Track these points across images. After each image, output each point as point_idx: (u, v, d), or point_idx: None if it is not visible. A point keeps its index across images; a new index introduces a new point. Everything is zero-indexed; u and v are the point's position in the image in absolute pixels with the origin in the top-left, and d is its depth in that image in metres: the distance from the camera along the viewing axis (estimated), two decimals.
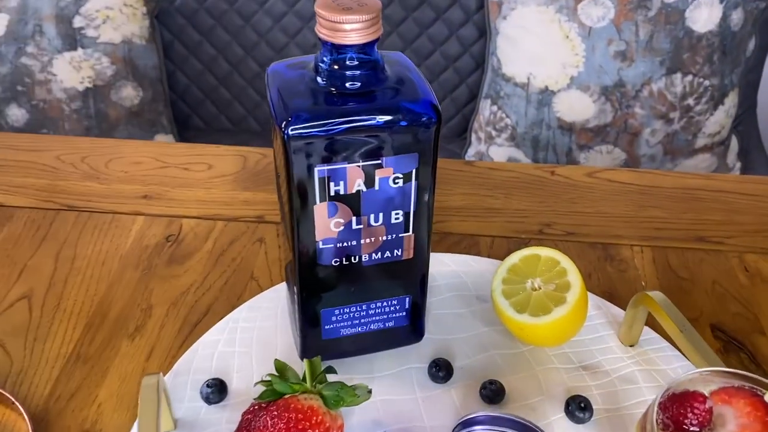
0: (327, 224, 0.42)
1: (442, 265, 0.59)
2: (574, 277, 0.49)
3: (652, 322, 0.53)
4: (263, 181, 0.71)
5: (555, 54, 1.13)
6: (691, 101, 1.15)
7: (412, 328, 0.50)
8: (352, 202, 0.41)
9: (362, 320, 0.48)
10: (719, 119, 1.18)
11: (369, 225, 0.42)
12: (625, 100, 1.14)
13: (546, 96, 1.16)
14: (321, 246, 0.43)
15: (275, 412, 0.40)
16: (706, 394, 0.32)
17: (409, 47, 1.28)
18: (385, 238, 0.43)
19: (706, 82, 1.14)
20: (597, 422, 0.46)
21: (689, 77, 1.13)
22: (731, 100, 1.19)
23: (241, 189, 0.70)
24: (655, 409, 0.31)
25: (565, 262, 0.50)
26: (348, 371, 0.49)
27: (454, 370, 0.49)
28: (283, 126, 0.38)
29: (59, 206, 0.67)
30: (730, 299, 0.58)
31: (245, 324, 0.53)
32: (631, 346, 0.51)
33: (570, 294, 0.48)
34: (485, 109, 1.23)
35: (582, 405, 0.46)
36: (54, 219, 0.66)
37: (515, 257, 0.52)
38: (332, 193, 0.40)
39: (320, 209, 0.41)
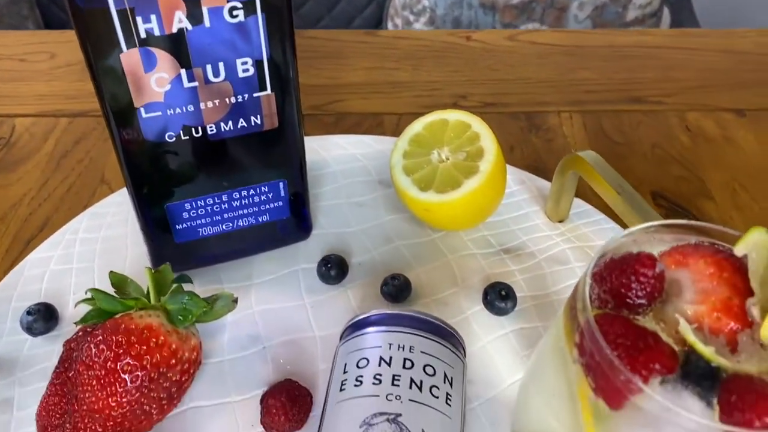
0: (145, 82, 0.30)
1: (337, 149, 0.49)
2: (488, 142, 0.40)
3: (583, 193, 0.44)
4: None
5: None
6: None
7: (296, 223, 0.40)
8: (176, 47, 0.30)
9: (226, 215, 0.38)
10: None
11: (207, 81, 0.31)
12: None
13: None
14: (144, 115, 0.31)
15: (100, 337, 0.30)
16: (655, 255, 0.24)
17: None
18: (233, 99, 0.33)
19: None
20: (522, 312, 0.38)
21: None
22: None
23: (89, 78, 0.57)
24: (588, 281, 0.23)
25: (478, 126, 0.40)
26: (218, 281, 0.39)
27: (349, 267, 0.40)
28: None
29: None
30: (671, 162, 0.51)
31: (86, 235, 0.42)
32: (560, 221, 0.43)
33: (483, 162, 0.39)
34: None
35: (503, 293, 0.37)
36: None
37: (418, 125, 0.42)
38: (143, 35, 0.29)
39: (130, 60, 0.29)
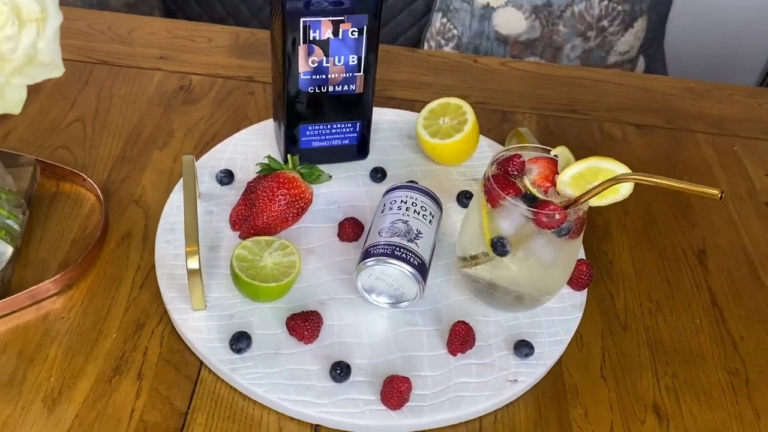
0: (306, 61, 0.64)
1: (384, 116, 0.82)
2: (470, 116, 0.73)
3: None
4: (252, 52, 0.92)
5: None
6: (605, 23, 1.38)
7: (361, 148, 0.73)
8: (324, 46, 0.63)
9: (327, 136, 0.71)
10: (629, 40, 1.42)
11: (334, 64, 0.65)
12: (551, 18, 1.36)
13: (487, 11, 1.37)
14: (302, 77, 0.65)
15: (270, 179, 0.63)
16: (521, 155, 0.56)
17: None
18: (344, 75, 0.66)
19: (619, 7, 1.37)
20: None
21: (605, 2, 1.36)
22: (640, 25, 1.42)
23: (235, 57, 0.91)
24: (493, 165, 0.55)
25: (466, 107, 0.73)
26: None
27: (387, 175, 0.73)
28: None
29: (95, 60, 0.87)
30: (584, 150, 0.83)
31: (243, 142, 0.75)
32: None
33: (466, 126, 0.72)
34: (437, 21, 1.44)
35: (467, 196, 0.70)
36: (92, 70, 0.86)
37: (434, 104, 0.75)
38: (311, 39, 0.62)
39: (303, 49, 0.63)
